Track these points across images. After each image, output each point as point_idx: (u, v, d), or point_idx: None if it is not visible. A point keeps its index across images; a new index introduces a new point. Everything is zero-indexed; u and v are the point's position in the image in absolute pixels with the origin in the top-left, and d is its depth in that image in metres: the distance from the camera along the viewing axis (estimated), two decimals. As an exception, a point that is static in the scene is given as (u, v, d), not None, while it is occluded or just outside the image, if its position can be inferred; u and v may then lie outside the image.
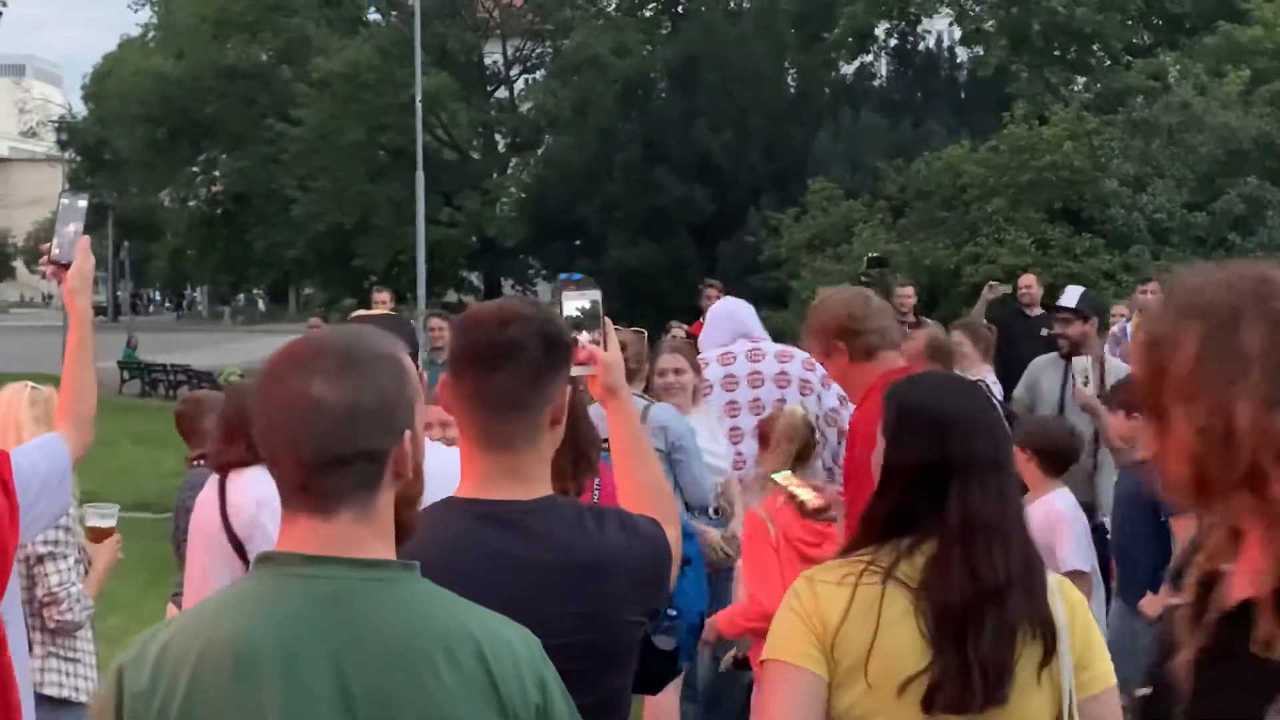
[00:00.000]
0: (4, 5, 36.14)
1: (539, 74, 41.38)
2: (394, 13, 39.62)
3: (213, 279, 46.71)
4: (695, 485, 6.25)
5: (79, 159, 55.47)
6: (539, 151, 39.84)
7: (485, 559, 2.42)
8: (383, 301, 12.78)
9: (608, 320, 2.89)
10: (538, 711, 2.00)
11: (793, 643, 2.56)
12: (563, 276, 2.97)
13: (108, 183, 51.07)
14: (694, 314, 13.55)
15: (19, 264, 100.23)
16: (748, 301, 7.90)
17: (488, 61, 41.19)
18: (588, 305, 2.87)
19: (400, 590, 1.98)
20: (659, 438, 5.96)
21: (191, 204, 46.49)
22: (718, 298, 12.90)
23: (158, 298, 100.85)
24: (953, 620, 2.50)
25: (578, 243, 33.70)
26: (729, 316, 7.44)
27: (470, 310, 2.61)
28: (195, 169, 45.29)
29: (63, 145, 56.74)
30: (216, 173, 44.76)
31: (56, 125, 58.30)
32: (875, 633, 2.51)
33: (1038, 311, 11.36)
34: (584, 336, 2.88)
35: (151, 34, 46.68)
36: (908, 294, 12.29)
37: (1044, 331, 9.44)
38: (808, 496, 5.11)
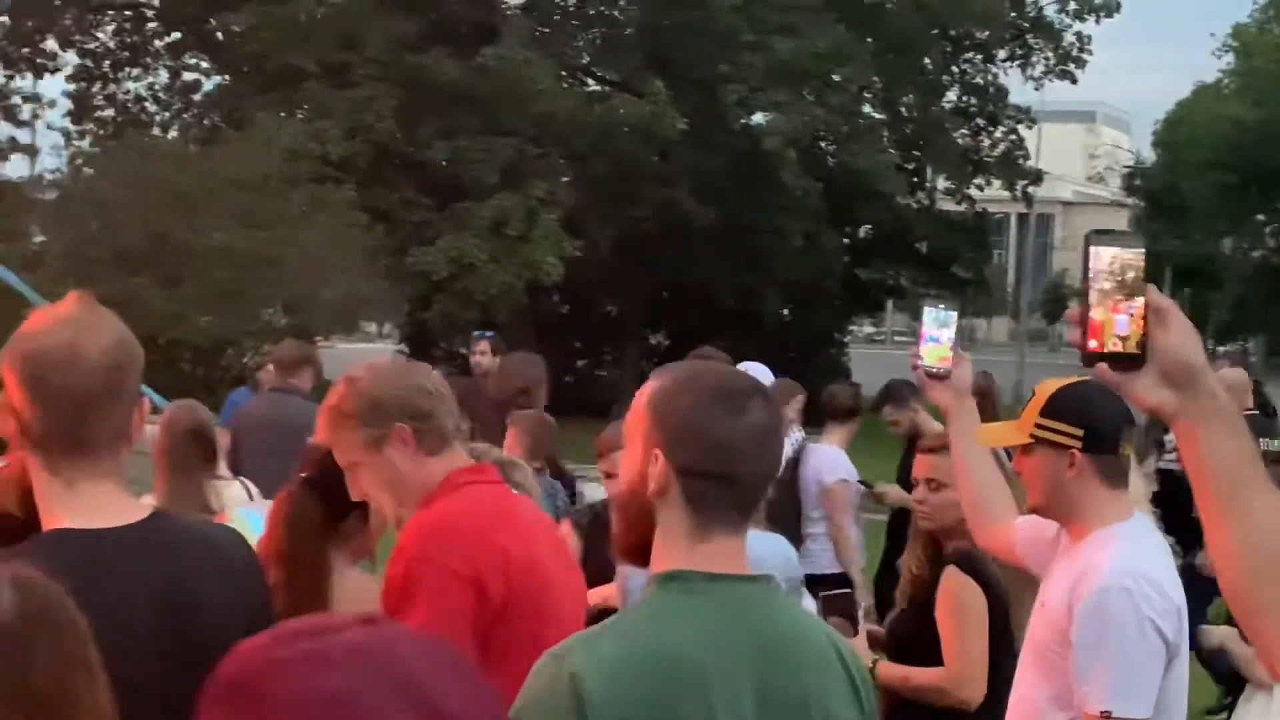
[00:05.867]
0: (1088, 55, 35.32)
1: None
2: None
3: (1272, 331, 45.08)
4: None
5: (1141, 204, 56.03)
6: None
7: None
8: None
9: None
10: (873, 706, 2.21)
11: None
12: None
13: (1169, 229, 51.06)
14: None
15: (1072, 304, 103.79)
16: None
17: None
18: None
19: (775, 602, 2.18)
20: None
21: (1256, 254, 45.29)
22: None
23: (1212, 347, 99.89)
24: None
25: None
26: None
27: None
28: (1262, 217, 44.20)
29: (1128, 190, 57.59)
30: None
31: (1124, 170, 59.36)
32: None
33: None
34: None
35: (1228, 80, 46.04)
36: None
37: None
38: None
